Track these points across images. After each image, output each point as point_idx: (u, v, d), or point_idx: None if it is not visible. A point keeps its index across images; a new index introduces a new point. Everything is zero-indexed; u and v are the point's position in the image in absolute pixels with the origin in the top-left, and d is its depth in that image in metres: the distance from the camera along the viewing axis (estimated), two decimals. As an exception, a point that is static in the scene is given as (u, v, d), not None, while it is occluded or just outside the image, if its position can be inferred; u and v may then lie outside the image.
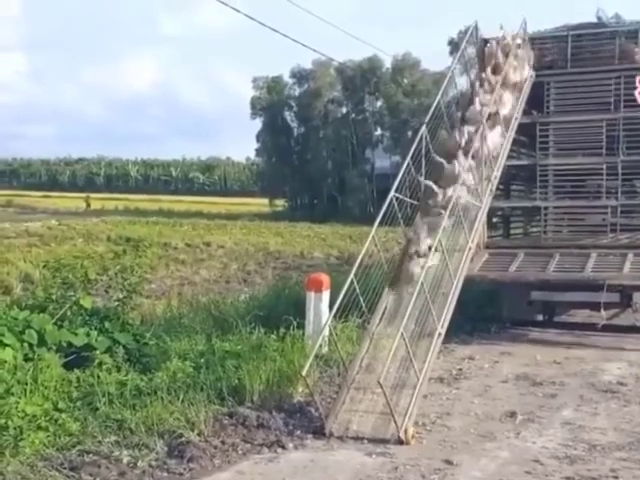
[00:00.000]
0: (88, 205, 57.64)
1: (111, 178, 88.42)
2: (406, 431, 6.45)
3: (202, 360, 7.70)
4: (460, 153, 9.90)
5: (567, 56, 12.54)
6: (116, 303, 8.98)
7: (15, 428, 5.91)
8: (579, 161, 12.53)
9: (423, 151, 9.44)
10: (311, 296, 9.22)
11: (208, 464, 5.95)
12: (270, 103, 55.12)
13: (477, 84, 11.34)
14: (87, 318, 8.27)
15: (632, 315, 11.42)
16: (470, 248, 9.14)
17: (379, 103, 54.43)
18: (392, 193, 8.48)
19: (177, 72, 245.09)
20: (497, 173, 10.42)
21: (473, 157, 9.78)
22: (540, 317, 12.23)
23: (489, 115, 10.49)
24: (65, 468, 5.67)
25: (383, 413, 6.67)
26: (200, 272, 20.01)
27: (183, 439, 6.22)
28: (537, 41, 12.70)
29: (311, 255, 24.73)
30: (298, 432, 6.68)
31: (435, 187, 9.43)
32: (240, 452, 6.21)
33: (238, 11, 14.95)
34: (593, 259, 11.29)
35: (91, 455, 5.92)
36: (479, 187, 9.87)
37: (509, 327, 11.78)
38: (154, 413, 6.51)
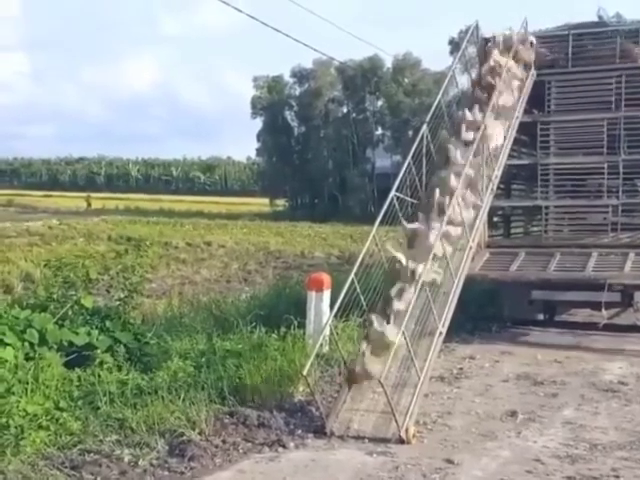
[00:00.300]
0: (89, 205, 57.68)
1: (112, 178, 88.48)
2: (407, 430, 6.45)
3: (203, 359, 7.71)
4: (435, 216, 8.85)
5: (568, 55, 12.53)
6: (117, 302, 8.98)
7: (16, 427, 5.91)
8: (580, 160, 12.53)
9: (424, 150, 9.43)
10: (312, 295, 9.22)
11: (209, 463, 5.95)
12: (271, 103, 55.15)
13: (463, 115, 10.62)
14: (88, 317, 8.27)
15: (633, 314, 11.42)
16: (471, 247, 9.13)
17: (380, 102, 54.49)
18: (393, 192, 8.48)
19: (177, 72, 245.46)
20: (498, 172, 10.41)
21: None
22: (541, 316, 12.22)
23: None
24: (66, 467, 5.67)
25: (384, 412, 6.67)
26: (201, 271, 20.03)
27: (184, 438, 6.22)
28: (538, 40, 12.68)
29: (312, 255, 24.73)
30: (299, 431, 6.67)
31: (403, 259, 8.06)
32: (241, 451, 6.21)
33: (240, 11, 14.98)
34: (594, 258, 11.28)
35: (92, 454, 5.92)
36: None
37: (510, 326, 11.78)
38: (155, 412, 6.51)
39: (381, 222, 8.23)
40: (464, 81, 11.92)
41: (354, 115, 54.31)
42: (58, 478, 5.52)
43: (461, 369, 9.29)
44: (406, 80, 52.85)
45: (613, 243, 11.95)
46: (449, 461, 6.01)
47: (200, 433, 6.38)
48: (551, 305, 12.14)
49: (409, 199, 8.89)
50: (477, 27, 12.17)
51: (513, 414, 7.31)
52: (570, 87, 12.60)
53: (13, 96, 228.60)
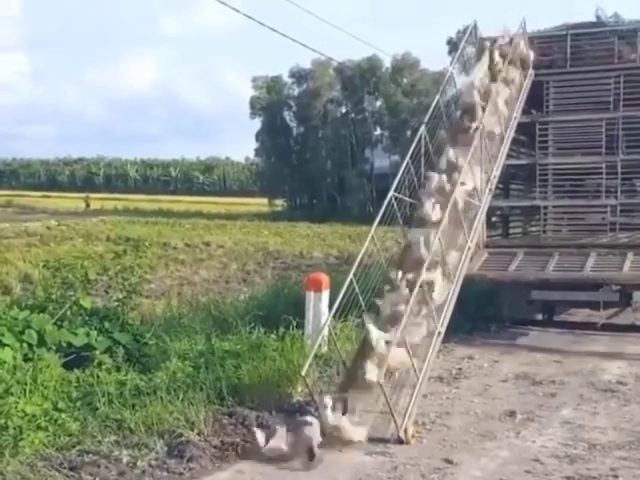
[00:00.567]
0: (87, 205, 57.66)
1: (110, 178, 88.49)
2: (406, 430, 6.45)
3: (202, 360, 7.70)
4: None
5: (566, 55, 12.54)
6: (116, 303, 8.98)
7: (15, 428, 5.90)
8: (578, 160, 12.55)
9: (422, 151, 9.44)
10: (310, 296, 9.22)
11: (208, 464, 5.95)
12: (269, 103, 55.15)
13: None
14: (87, 318, 8.27)
15: (632, 314, 11.43)
16: (469, 247, 9.13)
17: (378, 103, 54.49)
18: (391, 193, 8.48)
19: (177, 72, 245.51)
20: (496, 172, 10.41)
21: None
22: (540, 316, 12.23)
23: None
24: (65, 468, 5.66)
25: (383, 412, 6.66)
26: (200, 272, 20.01)
27: (183, 439, 6.21)
28: (536, 40, 12.69)
29: (310, 255, 24.72)
30: (298, 431, 6.67)
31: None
32: (240, 452, 6.21)
33: (237, 11, 14.93)
34: (593, 258, 11.30)
35: (91, 455, 5.91)
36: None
37: (509, 326, 11.79)
38: (154, 413, 6.50)
39: (380, 222, 8.23)
40: (462, 81, 11.91)
41: (353, 115, 54.31)
42: (57, 479, 5.51)
43: (460, 369, 9.29)
44: (405, 80, 52.86)
45: (612, 243, 11.97)
46: (448, 461, 6.01)
47: (199, 434, 6.38)
48: (550, 305, 12.15)
49: (408, 199, 8.88)
50: (475, 27, 12.17)
51: (512, 414, 7.31)
52: (568, 87, 12.62)
53: (13, 96, 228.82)
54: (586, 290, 11.21)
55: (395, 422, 6.46)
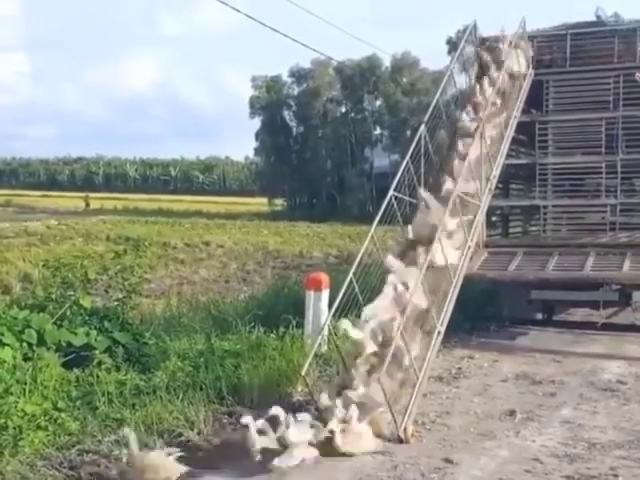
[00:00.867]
0: (87, 205, 57.68)
1: (110, 178, 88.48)
2: (406, 430, 6.44)
3: (201, 359, 7.71)
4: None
5: (566, 55, 12.54)
6: (116, 303, 8.98)
7: (14, 427, 5.90)
8: (578, 160, 12.54)
9: (422, 150, 9.43)
10: (310, 295, 9.22)
11: (208, 463, 5.95)
12: (269, 102, 55.19)
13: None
14: (87, 318, 8.26)
15: (631, 314, 11.43)
16: (469, 247, 9.13)
17: (378, 102, 54.54)
18: (391, 192, 8.48)
19: (177, 72, 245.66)
20: (496, 172, 10.41)
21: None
22: (539, 316, 12.23)
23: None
24: (65, 467, 5.67)
25: (382, 412, 6.66)
26: (199, 271, 20.02)
27: (183, 438, 6.22)
28: (536, 40, 12.69)
29: (310, 254, 24.72)
30: (298, 431, 6.66)
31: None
32: (240, 451, 6.20)
33: (238, 11, 14.93)
34: (592, 258, 11.29)
35: (91, 454, 5.92)
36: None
37: (508, 326, 11.79)
38: (153, 412, 6.51)
39: (379, 222, 8.23)
40: (462, 80, 11.92)
41: (352, 115, 54.35)
42: (57, 478, 5.52)
43: (460, 369, 9.28)
44: (404, 79, 52.90)
45: (611, 242, 11.96)
46: (448, 461, 6.01)
47: (199, 433, 6.38)
48: (549, 304, 12.14)
49: (407, 198, 8.88)
50: (475, 27, 12.17)
51: (512, 414, 7.31)
52: (568, 87, 12.62)
53: (13, 96, 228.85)
54: (586, 290, 11.21)
55: (395, 421, 6.45)
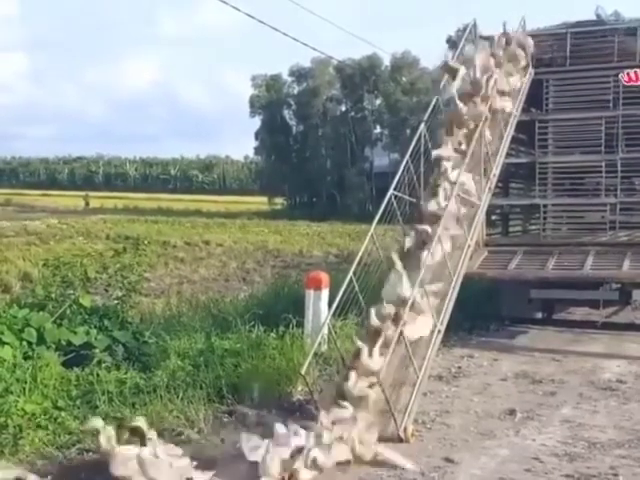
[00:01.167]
0: (87, 204, 57.70)
1: (110, 177, 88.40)
2: (405, 429, 6.44)
3: (201, 358, 7.70)
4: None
5: (566, 54, 12.54)
6: (115, 301, 8.99)
7: (14, 427, 5.91)
8: (578, 159, 12.55)
9: (422, 149, 9.43)
10: (310, 294, 9.22)
11: (208, 462, 5.94)
12: (269, 101, 55.16)
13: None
14: (86, 316, 8.27)
15: (631, 313, 11.43)
16: (469, 246, 9.13)
17: (378, 101, 54.49)
18: (391, 191, 8.48)
19: (177, 72, 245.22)
20: (496, 171, 10.40)
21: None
22: (539, 315, 12.23)
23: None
24: (65, 467, 5.66)
25: (382, 411, 6.66)
26: (199, 270, 20.04)
27: (183, 437, 6.22)
28: (536, 39, 12.68)
29: (310, 253, 24.73)
30: (298, 430, 6.66)
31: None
32: (240, 450, 6.19)
33: (238, 10, 14.89)
34: (592, 257, 11.29)
35: (91, 453, 5.92)
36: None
37: (508, 325, 11.79)
38: (154, 411, 6.50)
39: (379, 221, 8.22)
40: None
41: (352, 114, 54.31)
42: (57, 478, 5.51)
43: (459, 368, 9.29)
44: (404, 79, 52.87)
45: (611, 241, 11.96)
46: (448, 460, 6.00)
47: (199, 432, 6.38)
48: (549, 303, 12.15)
49: (407, 198, 8.88)
50: (475, 26, 12.14)
51: (512, 413, 7.31)
52: (568, 86, 12.60)
53: (13, 96, 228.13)
54: (586, 289, 11.22)
55: (395, 421, 6.45)
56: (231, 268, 20.77)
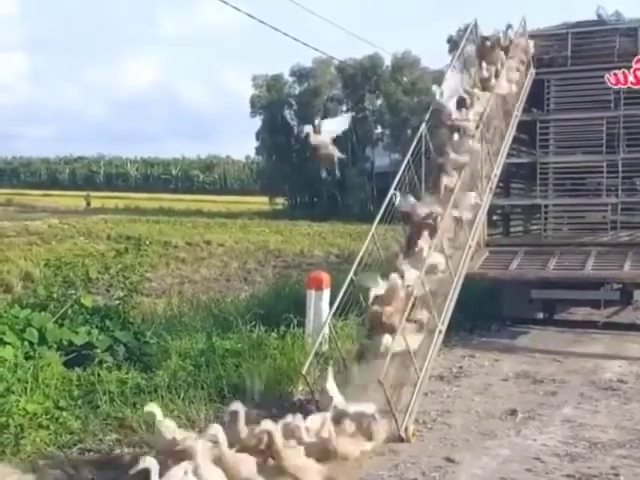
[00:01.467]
0: (88, 204, 57.64)
1: (111, 177, 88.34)
2: (406, 429, 6.45)
3: (202, 358, 7.71)
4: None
5: (567, 54, 12.54)
6: (117, 302, 8.99)
7: (16, 426, 5.91)
8: (579, 159, 12.55)
9: (423, 149, 9.43)
10: (311, 294, 9.22)
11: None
12: (270, 101, 55.09)
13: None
14: (88, 317, 8.28)
15: (632, 313, 11.43)
16: (470, 246, 9.13)
17: (379, 101, 54.42)
18: (392, 191, 8.48)
19: (177, 71, 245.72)
20: (497, 171, 10.40)
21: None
22: (540, 315, 12.23)
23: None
24: (66, 466, 5.67)
25: (383, 411, 6.66)
26: (200, 270, 20.02)
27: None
28: (537, 39, 12.68)
29: (311, 253, 24.72)
30: (298, 430, 6.66)
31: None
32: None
33: (238, 10, 14.89)
34: (593, 257, 11.30)
35: (92, 453, 5.93)
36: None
37: (509, 325, 11.80)
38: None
39: (380, 221, 8.23)
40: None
41: (353, 114, 54.19)
42: (58, 478, 5.52)
43: (461, 368, 9.29)
44: (405, 79, 52.80)
45: (612, 242, 11.97)
46: (449, 460, 6.02)
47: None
48: (550, 304, 12.15)
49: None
50: (476, 25, 12.14)
51: (513, 413, 7.32)
52: (569, 86, 12.61)
53: (13, 96, 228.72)
54: (587, 289, 11.23)
55: (396, 421, 6.45)
56: (232, 268, 20.76)
